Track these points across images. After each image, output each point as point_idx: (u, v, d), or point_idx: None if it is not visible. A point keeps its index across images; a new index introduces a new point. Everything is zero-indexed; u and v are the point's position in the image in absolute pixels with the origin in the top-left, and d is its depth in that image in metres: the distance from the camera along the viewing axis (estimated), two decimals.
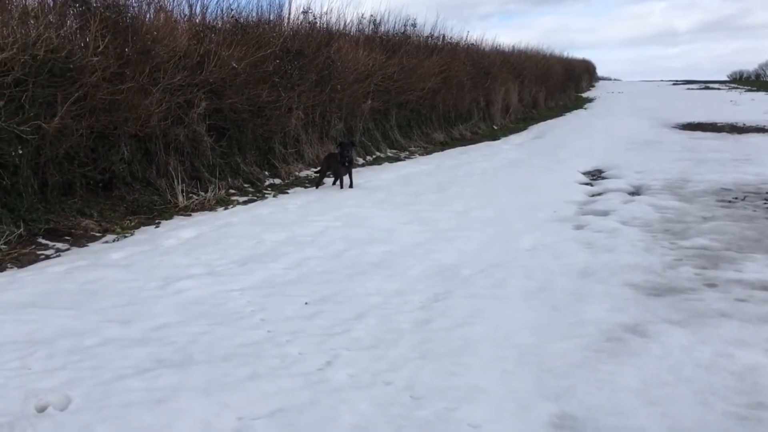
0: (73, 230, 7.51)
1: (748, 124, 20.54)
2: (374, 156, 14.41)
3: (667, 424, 3.21)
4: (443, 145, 17.00)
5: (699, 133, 18.51)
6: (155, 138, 9.31)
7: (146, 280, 5.40)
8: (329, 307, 4.83)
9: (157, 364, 3.79)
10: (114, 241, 6.95)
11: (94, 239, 7.17)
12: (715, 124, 21.11)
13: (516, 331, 4.39)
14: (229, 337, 4.22)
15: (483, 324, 4.53)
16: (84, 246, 6.79)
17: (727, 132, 18.67)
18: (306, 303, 4.91)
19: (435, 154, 15.15)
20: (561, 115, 28.02)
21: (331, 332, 4.36)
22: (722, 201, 8.84)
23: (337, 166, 10.36)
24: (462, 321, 4.58)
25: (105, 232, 7.55)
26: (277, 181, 11.15)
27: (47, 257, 6.35)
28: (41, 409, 3.27)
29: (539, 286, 5.35)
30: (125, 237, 7.07)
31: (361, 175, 11.44)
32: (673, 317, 4.61)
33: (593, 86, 56.52)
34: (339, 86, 13.12)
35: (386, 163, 13.43)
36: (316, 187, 10.41)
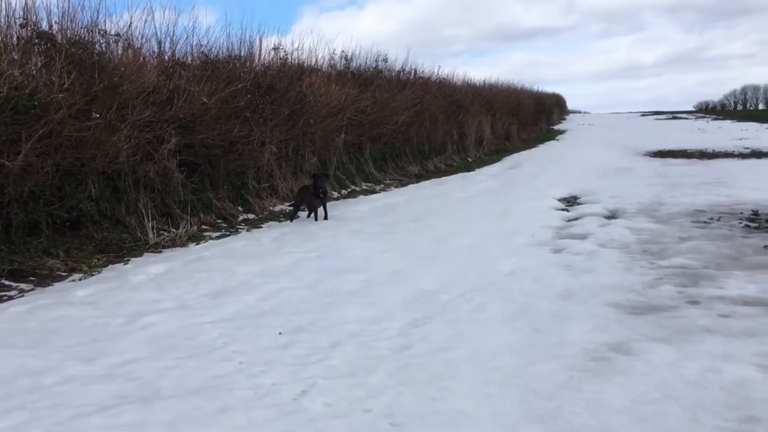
0: (37, 270, 7.26)
1: (717, 150, 20.86)
2: (349, 189, 14.31)
3: None
4: (418, 178, 16.98)
5: (670, 160, 18.74)
6: (124, 175, 9.11)
7: (112, 316, 5.19)
8: (305, 337, 4.66)
9: (121, 400, 3.58)
10: (81, 279, 6.71)
11: (61, 279, 6.93)
12: (685, 150, 21.40)
13: (498, 354, 4.25)
14: (200, 370, 4.02)
15: (464, 348, 4.38)
16: (49, 285, 6.54)
17: (697, 158, 18.92)
18: (280, 333, 4.74)
19: (410, 186, 15.10)
20: (534, 146, 28.28)
21: (307, 361, 4.18)
22: (698, 222, 8.84)
23: (311, 199, 10.23)
24: (442, 345, 4.43)
25: (71, 271, 7.30)
26: (251, 216, 10.97)
27: (10, 298, 6.09)
28: None
29: (520, 308, 5.23)
30: (92, 275, 6.83)
31: (336, 207, 11.32)
32: (657, 335, 4.50)
33: (564, 119, 57.36)
34: (312, 120, 13.07)
35: (361, 196, 13.33)
36: (291, 221, 10.27)
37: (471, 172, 18.11)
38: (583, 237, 8.08)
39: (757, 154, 18.99)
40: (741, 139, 25.73)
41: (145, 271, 6.73)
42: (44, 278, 7.00)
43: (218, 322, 5.00)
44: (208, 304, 5.52)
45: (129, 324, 4.98)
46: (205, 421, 3.31)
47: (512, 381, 3.82)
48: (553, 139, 32.78)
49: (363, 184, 15.14)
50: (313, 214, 10.29)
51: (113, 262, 7.67)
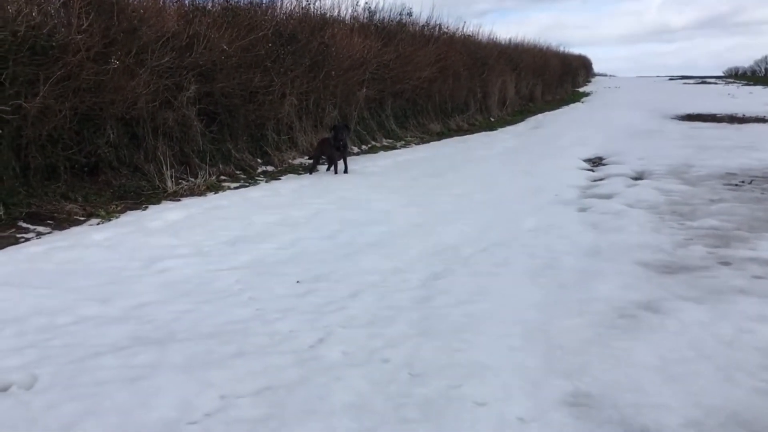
0: (56, 214, 7.20)
1: (747, 115, 20.31)
2: (369, 145, 14.11)
3: (692, 401, 2.92)
4: (440, 136, 16.70)
5: (699, 123, 18.26)
6: (143, 121, 8.99)
7: (129, 260, 5.10)
8: (323, 286, 4.54)
9: (135, 341, 3.50)
10: (98, 224, 6.63)
11: (78, 223, 6.85)
12: (715, 115, 20.87)
13: (522, 309, 4.11)
14: (215, 315, 3.92)
15: (486, 301, 4.24)
16: (66, 229, 6.47)
17: (728, 122, 18.43)
18: (298, 281, 4.63)
19: (431, 144, 14.86)
20: (558, 108, 27.76)
21: (325, 310, 4.07)
22: (729, 184, 8.58)
23: (331, 151, 10.05)
24: (464, 299, 4.30)
25: (89, 216, 7.23)
26: (270, 168, 10.83)
27: (27, 240, 6.03)
28: (4, 388, 2.98)
29: (544, 264, 5.07)
30: (110, 221, 6.75)
31: (356, 162, 11.14)
32: (688, 294, 4.33)
33: (589, 81, 56.29)
34: (333, 72, 12.81)
35: (381, 152, 13.13)
36: (310, 173, 10.12)
37: (493, 132, 17.80)
38: (609, 197, 7.86)
39: None
40: None
41: (163, 218, 6.64)
42: (62, 222, 6.93)
43: (235, 269, 4.90)
44: (225, 251, 5.42)
45: (145, 268, 4.90)
46: (220, 365, 3.22)
47: (536, 336, 3.69)
48: (579, 101, 32.17)
49: (384, 140, 14.92)
50: (333, 167, 10.12)
51: (131, 209, 7.59)
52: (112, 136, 8.50)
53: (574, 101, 32.28)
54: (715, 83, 55.09)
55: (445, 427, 2.72)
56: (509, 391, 3.02)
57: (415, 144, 14.91)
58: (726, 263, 5.05)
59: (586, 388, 3.06)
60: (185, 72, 9.42)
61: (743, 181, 8.73)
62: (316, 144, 10.99)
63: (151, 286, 4.46)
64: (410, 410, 2.85)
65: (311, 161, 10.53)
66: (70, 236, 5.98)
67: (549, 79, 32.75)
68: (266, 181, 9.50)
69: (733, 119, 19.22)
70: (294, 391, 3.00)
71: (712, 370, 3.22)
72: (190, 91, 9.48)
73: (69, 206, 7.40)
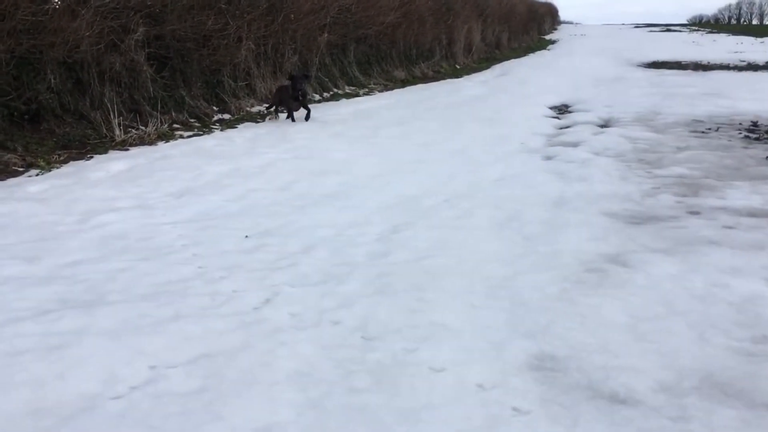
0: None
1: (712, 62, 20.24)
2: (331, 92, 13.64)
3: (664, 362, 2.73)
4: (404, 83, 16.27)
5: (665, 71, 18.12)
6: (87, 66, 8.43)
7: (64, 214, 4.73)
8: (273, 241, 4.24)
9: (61, 305, 3.18)
10: (37, 175, 6.20)
11: (16, 174, 6.40)
12: (680, 62, 20.76)
13: (485, 263, 3.87)
14: (153, 274, 3.61)
15: (448, 256, 3.99)
16: (2, 181, 6.03)
17: (692, 69, 18.32)
18: (246, 236, 4.32)
19: (395, 91, 14.45)
20: (524, 55, 27.38)
21: (274, 267, 3.78)
22: (695, 131, 8.42)
23: (288, 101, 9.62)
24: (424, 253, 4.04)
25: (29, 167, 6.77)
26: (227, 116, 10.36)
27: None
28: None
29: (508, 216, 4.83)
30: (50, 171, 6.31)
31: (316, 110, 10.71)
32: (657, 245, 4.14)
33: (555, 29, 55.78)
34: (292, 16, 12.24)
35: (344, 100, 12.70)
36: (265, 120, 9.69)
37: (459, 79, 17.41)
38: (575, 145, 7.64)
39: (753, 67, 18.41)
40: (736, 52, 25.02)
41: (106, 168, 6.23)
42: None
43: (179, 223, 4.56)
44: (170, 203, 5.07)
45: (81, 223, 4.54)
46: (152, 330, 2.92)
47: (500, 293, 3.46)
48: (545, 49, 31.80)
49: (346, 87, 14.44)
50: (291, 117, 9.71)
51: (75, 159, 7.14)
52: (53, 81, 7.95)
53: (540, 49, 31.90)
54: (680, 31, 55.08)
55: (398, 396, 2.48)
56: (469, 355, 2.79)
57: (379, 91, 14.48)
58: (695, 213, 4.88)
59: (551, 350, 2.84)
60: (132, 13, 8.84)
61: (710, 128, 8.59)
62: (274, 91, 10.53)
63: (86, 243, 4.12)
64: (361, 378, 2.60)
65: (268, 108, 10.10)
66: (3, 189, 5.55)
67: (515, 27, 32.27)
68: (221, 130, 9.07)
69: (698, 67, 19.13)
70: (234, 359, 2.72)
71: (685, 328, 3.03)
72: (138, 33, 8.90)
73: (7, 156, 6.91)
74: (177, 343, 2.83)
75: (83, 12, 8.00)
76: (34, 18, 7.42)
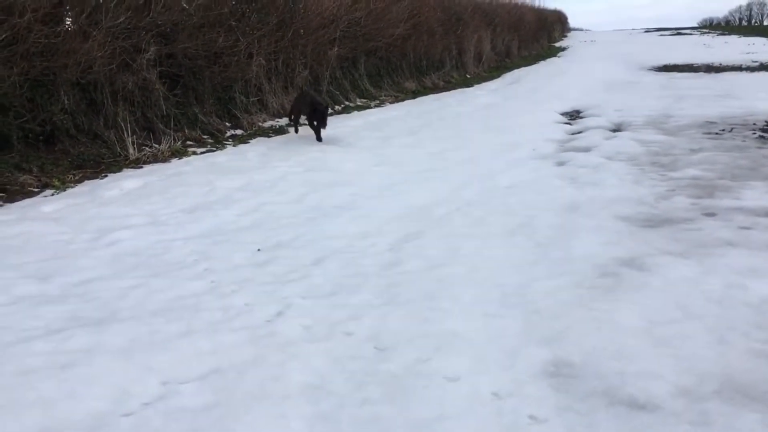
0: (8, 186, 6.76)
1: (724, 64, 20.08)
2: (343, 105, 13.66)
3: (683, 366, 2.67)
4: (415, 94, 16.27)
5: (676, 74, 18.00)
6: (100, 86, 8.50)
7: (77, 232, 4.74)
8: (285, 253, 4.23)
9: (72, 323, 3.18)
10: (52, 195, 6.23)
11: (31, 195, 6.44)
12: (692, 65, 20.62)
13: (498, 271, 3.84)
14: (164, 290, 3.60)
15: (460, 264, 3.96)
16: (17, 201, 6.07)
17: (704, 72, 18.19)
18: (258, 250, 4.31)
19: (406, 102, 14.44)
20: (535, 63, 27.32)
21: (285, 279, 3.77)
22: (709, 133, 8.33)
23: (309, 113, 9.21)
24: (436, 262, 4.01)
25: (45, 187, 6.81)
26: (239, 131, 10.39)
27: None
28: None
29: (521, 222, 4.79)
30: (64, 191, 6.35)
31: (328, 122, 10.72)
32: (672, 248, 4.08)
33: (565, 36, 55.68)
34: (302, 31, 12.30)
35: (355, 112, 12.71)
36: (296, 132, 9.65)
37: (470, 88, 17.39)
38: (587, 150, 7.58)
39: (766, 67, 18.25)
40: (748, 53, 24.82)
41: (120, 186, 6.26)
42: (14, 194, 6.51)
43: (191, 239, 4.56)
44: (182, 219, 5.07)
45: (94, 241, 4.55)
46: (163, 347, 2.91)
47: (513, 300, 3.42)
48: (555, 56, 31.74)
49: (357, 99, 14.47)
50: (318, 136, 9.13)
51: (90, 178, 7.18)
52: (67, 102, 8.02)
53: (550, 56, 31.84)
54: (690, 34, 54.80)
55: (410, 407, 2.44)
56: (483, 364, 2.75)
57: (390, 103, 14.49)
58: (711, 214, 4.81)
59: (567, 357, 2.79)
60: (143, 32, 8.91)
61: (723, 130, 8.49)
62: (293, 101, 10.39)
63: (98, 261, 4.12)
64: (373, 389, 2.57)
65: (289, 121, 10.07)
66: (18, 209, 5.59)
67: (525, 35, 32.23)
68: (234, 145, 9.10)
69: (710, 69, 18.99)
70: (245, 373, 2.70)
71: (703, 332, 2.97)
72: (150, 52, 8.97)
73: (22, 177, 6.97)
74: (188, 358, 2.82)
75: (95, 33, 8.06)
76: (46, 40, 7.48)
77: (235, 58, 10.58)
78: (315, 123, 8.92)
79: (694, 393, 2.47)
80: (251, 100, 11.22)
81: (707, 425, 2.27)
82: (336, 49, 13.70)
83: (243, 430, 2.30)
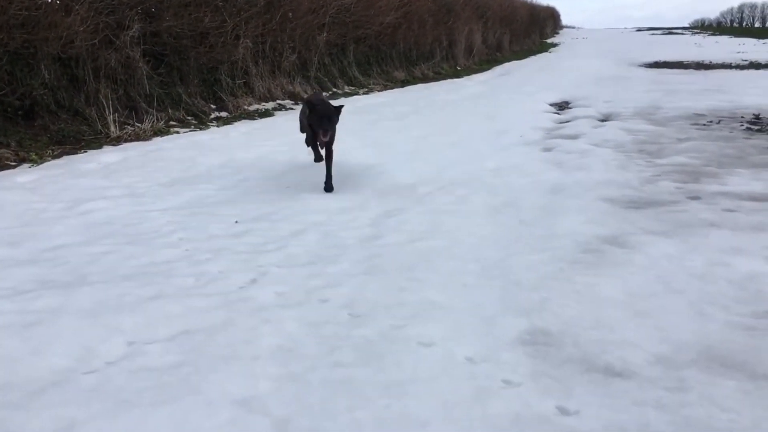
0: None
1: (714, 62, 20.14)
2: (330, 92, 13.57)
3: (661, 337, 2.62)
4: (404, 84, 16.20)
5: (666, 70, 18.03)
6: (82, 62, 8.37)
7: (51, 202, 4.65)
8: (263, 226, 4.15)
9: (40, 285, 3.09)
10: (29, 168, 6.11)
11: (8, 168, 6.32)
12: (682, 62, 20.66)
13: (479, 245, 3.78)
14: (137, 257, 3.52)
15: (441, 239, 3.90)
16: None
17: (694, 69, 18.23)
18: (236, 222, 4.23)
19: (395, 90, 14.37)
20: (526, 57, 27.30)
21: (262, 249, 3.69)
22: (697, 124, 8.31)
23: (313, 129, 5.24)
24: (417, 236, 3.95)
25: (22, 161, 6.69)
26: (224, 114, 10.28)
27: None
28: None
29: (505, 201, 4.74)
30: (41, 164, 6.23)
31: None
32: (656, 228, 4.03)
33: (557, 33, 55.73)
34: (291, 14, 12.19)
35: (342, 99, 12.61)
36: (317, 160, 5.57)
37: (460, 79, 17.34)
38: (574, 137, 7.54)
39: (755, 66, 18.32)
40: (738, 52, 24.93)
41: (98, 160, 6.15)
42: None
43: (168, 210, 4.48)
44: (160, 192, 4.99)
45: (67, 210, 4.45)
46: (132, 309, 2.83)
47: (493, 272, 3.36)
48: (546, 52, 31.75)
49: (345, 87, 14.38)
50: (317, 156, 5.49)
51: (69, 154, 7.07)
52: (47, 77, 7.88)
53: (542, 51, 31.85)
54: (682, 34, 55.06)
55: (383, 370, 2.38)
56: (459, 331, 2.69)
57: (378, 91, 14.41)
58: (695, 198, 4.77)
59: (545, 326, 2.74)
60: (127, 9, 8.78)
61: (711, 121, 8.48)
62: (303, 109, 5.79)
63: (71, 228, 4.03)
64: (346, 353, 2.50)
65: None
66: None
67: (517, 29, 32.21)
68: (218, 126, 8.99)
69: (699, 66, 19.04)
70: (215, 336, 2.63)
71: (683, 305, 2.92)
72: (134, 30, 8.85)
73: (0, 151, 6.85)
74: (157, 320, 2.74)
75: (77, 7, 7.93)
76: (27, 13, 7.35)
77: (222, 39, 10.47)
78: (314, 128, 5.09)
79: (672, 361, 2.42)
80: (237, 83, 11.11)
81: (683, 391, 2.22)
82: (325, 34, 13.62)
83: (210, 389, 2.23)
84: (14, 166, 6.40)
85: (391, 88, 14.95)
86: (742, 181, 5.22)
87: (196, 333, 2.65)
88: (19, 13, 7.24)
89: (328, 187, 5.05)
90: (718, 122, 8.41)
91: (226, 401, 2.16)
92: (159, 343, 2.55)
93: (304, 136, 5.79)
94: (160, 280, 3.18)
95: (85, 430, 1.98)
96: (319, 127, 4.85)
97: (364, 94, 13.78)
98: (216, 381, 2.28)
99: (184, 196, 4.88)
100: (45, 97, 7.80)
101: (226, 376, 2.32)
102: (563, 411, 2.13)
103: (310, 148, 5.63)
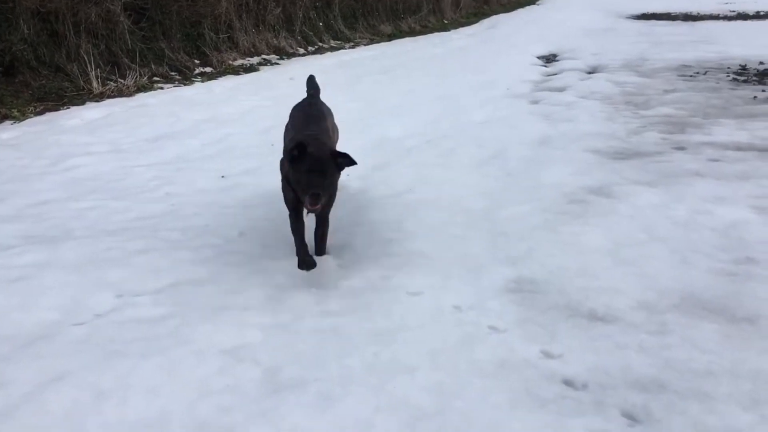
0: None
1: (702, 13, 19.95)
2: (316, 47, 13.36)
3: (644, 284, 2.66)
4: (390, 38, 15.95)
5: (654, 21, 17.85)
6: (62, 17, 8.19)
7: (34, 158, 4.60)
8: (250, 180, 4.14)
9: (25, 240, 3.08)
10: (11, 125, 6.03)
11: None
12: (670, 13, 20.44)
13: (466, 197, 3.79)
14: (123, 212, 3.51)
15: (428, 191, 3.91)
16: None
17: (682, 20, 18.06)
18: (223, 176, 4.21)
19: (382, 44, 14.18)
20: (514, 10, 26.91)
21: (249, 204, 3.69)
22: (684, 75, 8.29)
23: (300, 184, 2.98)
24: (403, 189, 3.95)
25: (4, 119, 6.59)
26: (209, 69, 10.12)
27: None
28: None
29: (492, 154, 4.73)
30: (23, 121, 6.14)
31: (300, 63, 10.52)
32: (641, 178, 4.06)
33: None
34: None
35: (329, 53, 12.45)
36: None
37: (447, 33, 17.09)
38: (562, 89, 7.50)
39: (743, 17, 18.17)
40: (726, 2, 24.69)
41: (81, 116, 6.07)
42: None
43: (153, 165, 4.45)
44: (145, 147, 4.94)
45: (51, 166, 4.41)
46: (119, 263, 2.83)
47: (480, 223, 3.38)
48: (534, 4, 31.30)
49: (331, 41, 14.15)
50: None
51: (51, 111, 6.96)
52: (27, 32, 7.71)
53: (530, 3, 31.36)
54: None
55: (371, 318, 2.41)
56: (446, 281, 2.72)
57: (365, 45, 14.21)
58: (681, 148, 4.79)
59: (531, 275, 2.77)
60: None
61: (698, 72, 8.45)
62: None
63: (55, 184, 4.00)
64: (334, 302, 2.53)
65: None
66: None
67: None
68: (202, 82, 8.87)
69: (687, 17, 18.87)
70: (203, 288, 2.64)
71: (667, 253, 2.96)
72: None
73: None
74: (144, 274, 2.75)
75: None
76: None
77: None
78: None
79: (654, 307, 2.47)
80: (221, 37, 10.91)
81: (665, 335, 2.26)
82: None
83: (199, 339, 2.25)
84: None
85: (378, 42, 14.74)
86: (727, 131, 5.23)
87: (185, 285, 2.66)
88: None
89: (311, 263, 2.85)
90: (705, 73, 8.38)
91: (216, 351, 2.19)
92: (147, 295, 2.57)
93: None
94: (146, 234, 3.18)
95: (76, 380, 2.00)
96: (306, 190, 2.70)
97: (350, 48, 13.59)
98: (205, 332, 2.30)
99: (169, 151, 4.84)
100: (25, 53, 7.64)
101: (215, 327, 2.34)
102: (547, 355, 2.17)
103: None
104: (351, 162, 2.91)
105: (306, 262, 2.76)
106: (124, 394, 1.97)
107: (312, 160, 2.72)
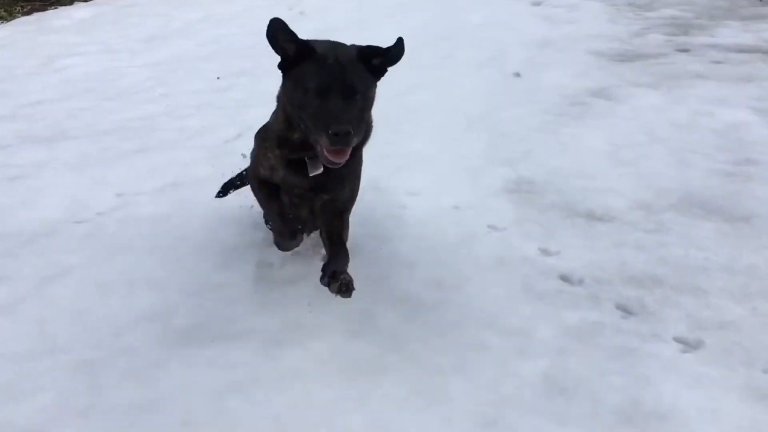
0: None
1: None
2: None
3: (643, 184, 2.68)
4: None
5: None
6: None
7: (24, 58, 4.50)
8: (245, 81, 4.07)
9: (20, 140, 3.06)
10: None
11: None
12: None
13: (465, 99, 3.74)
14: (117, 112, 3.47)
15: (426, 93, 3.85)
16: None
17: None
18: (218, 78, 4.13)
19: None
20: None
21: (246, 104, 3.63)
22: None
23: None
24: (401, 92, 3.88)
25: None
26: None
27: None
28: None
29: (490, 56, 4.64)
30: (10, 21, 5.97)
31: None
32: (642, 80, 4.00)
33: None
34: None
35: None
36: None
37: None
38: None
39: None
40: None
41: (70, 16, 5.88)
42: None
43: (147, 66, 4.36)
44: (138, 48, 4.82)
45: (42, 66, 4.32)
46: (117, 162, 2.83)
47: (479, 125, 3.35)
48: None
49: None
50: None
51: (39, 11, 6.75)
52: None
53: None
54: None
55: (370, 218, 2.42)
56: (445, 181, 2.73)
57: None
58: (684, 50, 4.70)
59: (530, 175, 2.78)
60: None
61: None
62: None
63: (48, 85, 3.93)
64: None
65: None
66: None
67: None
68: None
69: None
70: (204, 186, 2.64)
71: (666, 154, 2.96)
72: None
73: None
74: (143, 173, 2.75)
75: None
76: None
77: None
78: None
79: (652, 206, 2.49)
80: None
81: (662, 233, 2.30)
82: None
83: (199, 234, 2.27)
84: None
85: None
86: (731, 33, 5.12)
87: (184, 185, 2.66)
88: None
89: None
90: None
91: (218, 247, 2.21)
92: (148, 194, 2.57)
93: None
94: (142, 134, 3.16)
95: (80, 274, 2.03)
96: (325, 124, 1.63)
97: None
98: (206, 229, 2.32)
99: (162, 52, 4.73)
100: None
101: (215, 226, 2.35)
102: (545, 252, 2.21)
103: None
104: (398, 53, 1.76)
105: (284, 233, 1.83)
106: (130, 288, 2.00)
107: (327, 65, 1.64)
